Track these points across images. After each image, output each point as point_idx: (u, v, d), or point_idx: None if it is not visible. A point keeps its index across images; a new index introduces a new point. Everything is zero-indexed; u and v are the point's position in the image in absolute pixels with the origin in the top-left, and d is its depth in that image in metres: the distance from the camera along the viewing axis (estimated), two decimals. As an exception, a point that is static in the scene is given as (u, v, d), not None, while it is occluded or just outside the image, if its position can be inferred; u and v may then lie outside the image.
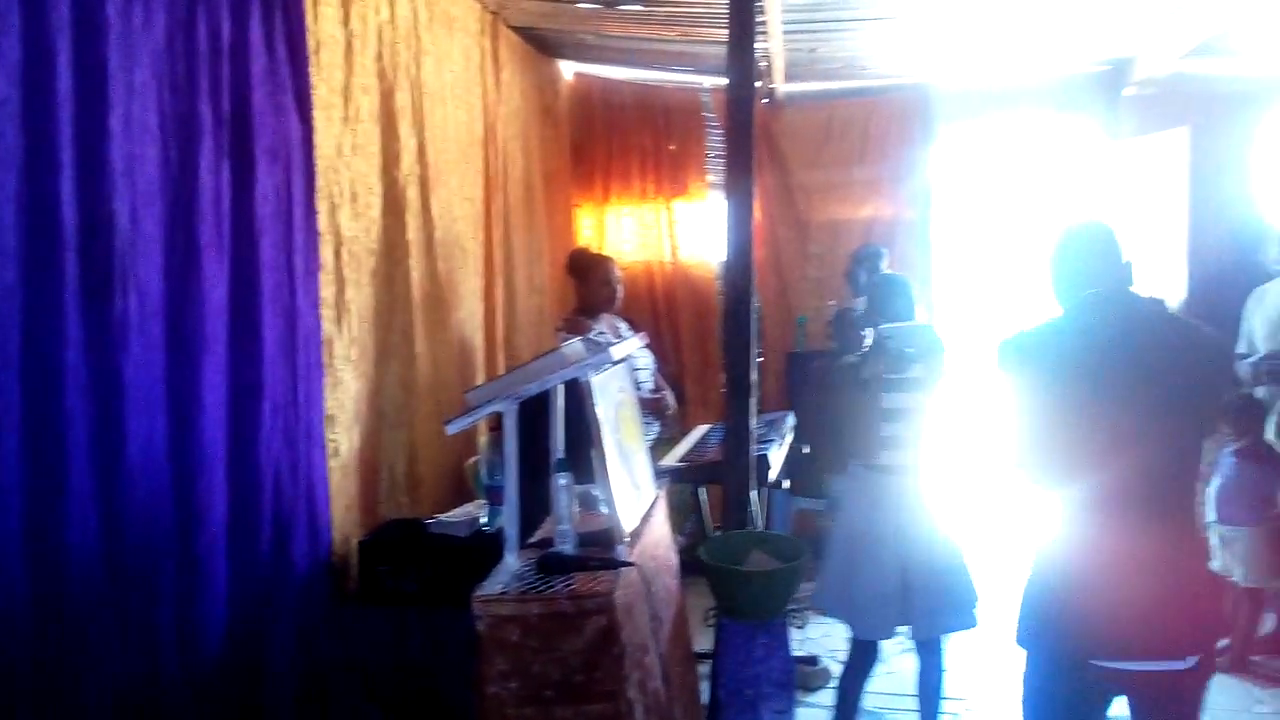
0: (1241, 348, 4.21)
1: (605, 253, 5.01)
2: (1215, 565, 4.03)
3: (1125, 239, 2.29)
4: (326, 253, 2.76)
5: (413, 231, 3.35)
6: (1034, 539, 2.29)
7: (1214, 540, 3.99)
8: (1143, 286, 2.39)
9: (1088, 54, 5.50)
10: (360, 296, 2.98)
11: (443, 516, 3.03)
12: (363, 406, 3.00)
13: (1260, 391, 3.92)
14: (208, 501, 2.17)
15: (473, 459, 3.64)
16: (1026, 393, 2.19)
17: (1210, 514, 3.98)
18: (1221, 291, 4.67)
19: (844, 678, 3.25)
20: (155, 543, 2.04)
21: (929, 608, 3.05)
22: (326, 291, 2.75)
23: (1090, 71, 5.77)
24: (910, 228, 5.93)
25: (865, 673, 3.21)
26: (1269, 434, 3.93)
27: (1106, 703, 2.20)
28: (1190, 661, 2.06)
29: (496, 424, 3.08)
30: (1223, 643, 4.02)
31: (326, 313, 2.75)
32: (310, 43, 2.63)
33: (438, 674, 2.56)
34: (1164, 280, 5.38)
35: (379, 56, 3.15)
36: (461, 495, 3.49)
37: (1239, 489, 3.82)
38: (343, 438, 2.84)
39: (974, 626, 3.17)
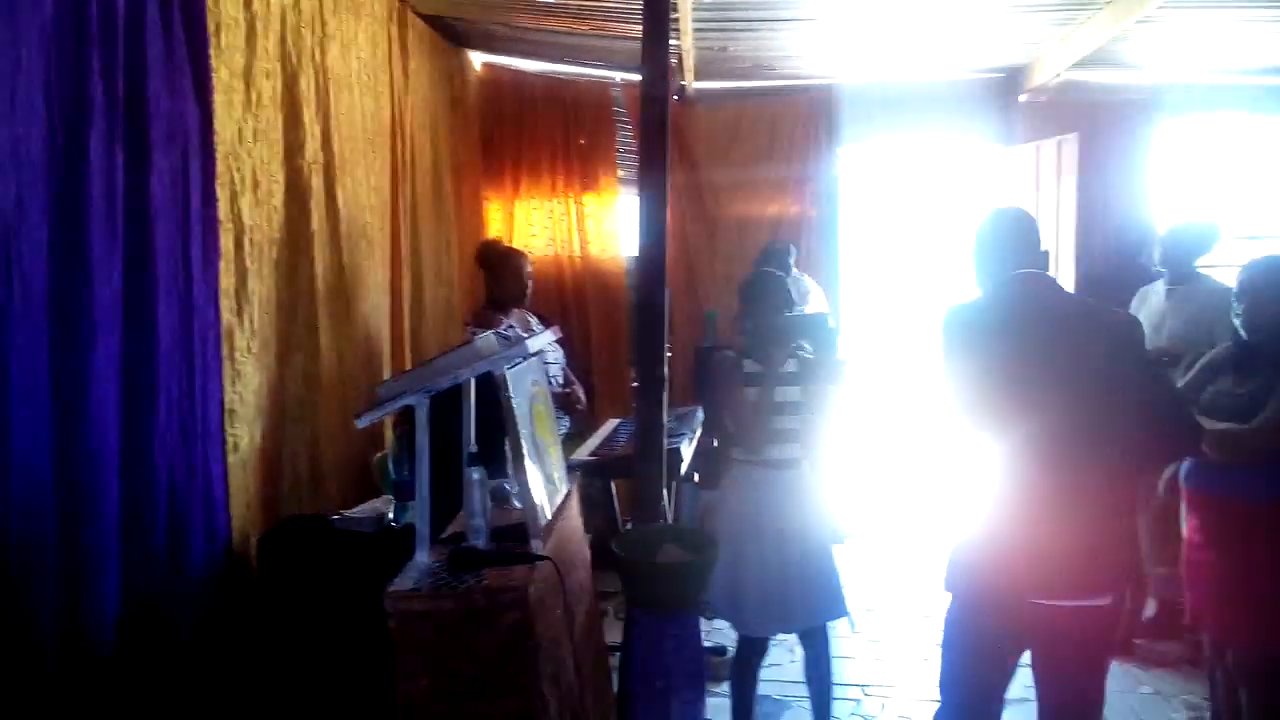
0: (1126, 345, 4.42)
1: (516, 246, 4.97)
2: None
3: (1042, 227, 2.51)
4: (227, 242, 2.67)
5: (317, 221, 3.26)
6: (964, 493, 2.45)
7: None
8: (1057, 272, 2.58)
9: (984, 61, 5.70)
10: (262, 287, 2.89)
11: (348, 512, 2.96)
12: (264, 400, 2.91)
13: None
14: (98, 499, 2.07)
15: (379, 454, 3.57)
16: (963, 357, 2.37)
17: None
18: (1107, 292, 4.88)
19: (734, 675, 3.25)
20: (42, 542, 1.94)
21: (808, 600, 3.10)
22: (227, 282, 2.66)
23: (986, 78, 5.98)
24: (817, 225, 6.06)
25: (756, 667, 3.23)
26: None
27: (1019, 648, 2.36)
28: (1105, 599, 2.23)
29: (402, 419, 3.04)
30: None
31: (227, 304, 2.66)
32: (210, 24, 2.53)
33: (344, 673, 2.51)
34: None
35: (282, 40, 3.06)
36: (366, 491, 3.42)
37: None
38: (243, 432, 2.75)
39: (847, 615, 3.24)
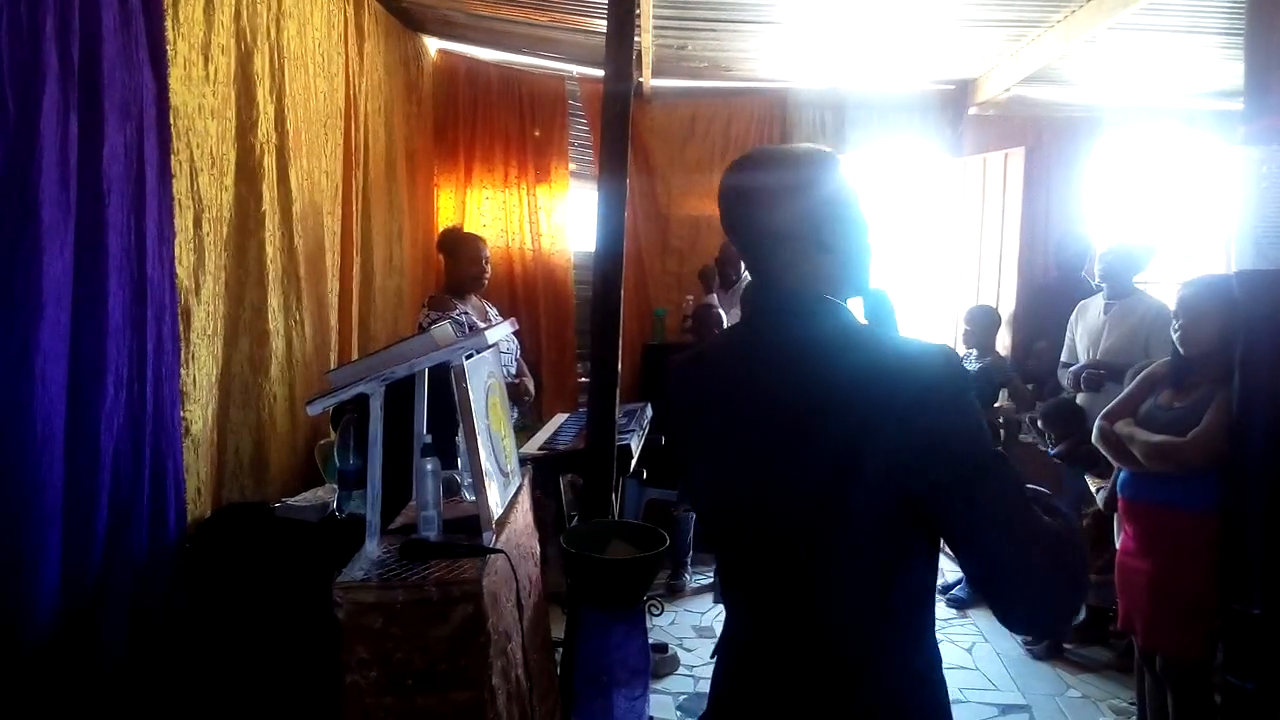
0: (1065, 357, 4.55)
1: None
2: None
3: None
4: (186, 220, 2.59)
5: (268, 202, 3.19)
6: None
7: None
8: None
9: (936, 73, 5.81)
10: (215, 268, 2.82)
11: (290, 501, 2.91)
12: (214, 384, 2.85)
13: (1081, 398, 4.22)
14: (42, 486, 1.99)
15: (324, 441, 3.51)
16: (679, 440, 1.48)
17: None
18: (1048, 304, 5.02)
19: None
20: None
21: None
22: (185, 261, 2.59)
23: (937, 90, 6.09)
24: (766, 228, 6.10)
25: None
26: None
27: None
28: None
29: (346, 406, 2.99)
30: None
31: (185, 284, 2.59)
32: (167, -5, 2.47)
33: (287, 665, 2.46)
34: (998, 291, 5.73)
35: (237, 15, 2.99)
36: (309, 479, 3.36)
37: (1060, 489, 4.11)
38: (197, 416, 2.69)
39: None
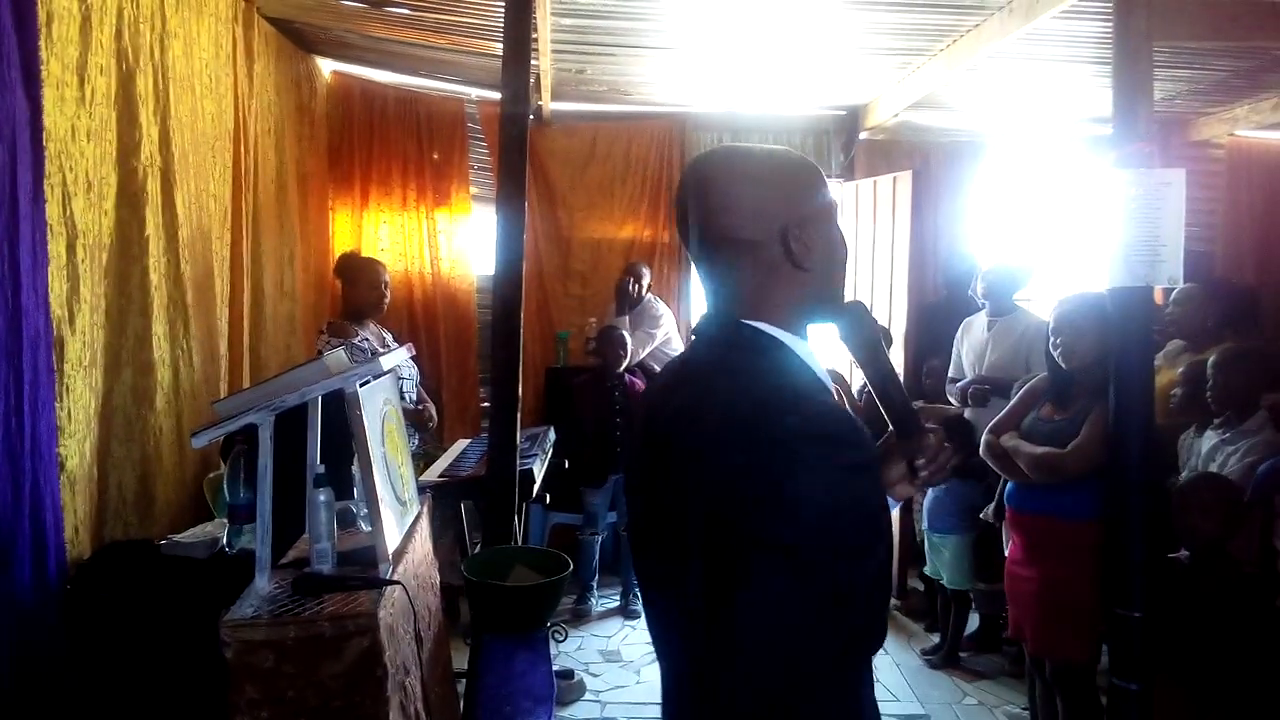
0: (952, 373, 4.70)
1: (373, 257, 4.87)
2: (926, 569, 4.47)
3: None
4: (59, 246, 2.48)
5: (152, 227, 3.08)
6: None
7: (926, 547, 4.42)
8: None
9: (829, 99, 5.97)
10: (92, 296, 2.70)
11: (177, 537, 2.80)
12: (92, 417, 2.72)
13: (968, 412, 4.37)
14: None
15: (213, 474, 3.39)
16: None
17: (924, 523, 4.40)
18: (939, 322, 5.19)
19: None
20: None
21: None
22: (58, 289, 2.48)
23: (830, 115, 6.26)
24: (668, 249, 6.17)
25: None
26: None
27: None
28: None
29: (237, 438, 2.90)
30: (934, 641, 4.45)
31: (58, 313, 2.47)
32: (41, 14, 2.36)
33: (176, 708, 2.36)
34: (889, 311, 5.89)
35: (118, 35, 2.89)
36: (199, 515, 3.24)
37: (948, 501, 4.23)
38: (73, 451, 2.56)
39: None
